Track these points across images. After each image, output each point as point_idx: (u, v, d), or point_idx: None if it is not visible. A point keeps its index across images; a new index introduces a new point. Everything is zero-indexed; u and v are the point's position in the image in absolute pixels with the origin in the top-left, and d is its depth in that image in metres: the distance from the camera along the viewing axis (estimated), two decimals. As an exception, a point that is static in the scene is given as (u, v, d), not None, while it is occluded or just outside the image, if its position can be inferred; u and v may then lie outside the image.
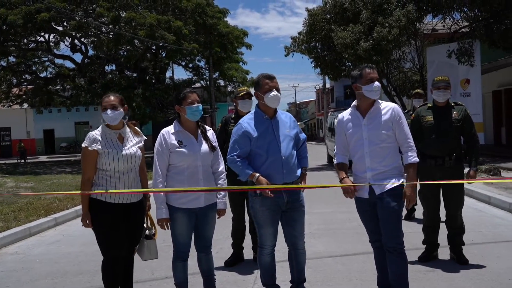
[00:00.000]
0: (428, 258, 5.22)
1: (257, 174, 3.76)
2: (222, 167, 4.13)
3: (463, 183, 5.24)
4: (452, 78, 15.30)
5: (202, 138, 3.98)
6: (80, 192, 3.80)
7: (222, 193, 4.10)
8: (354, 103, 4.00)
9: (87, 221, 3.78)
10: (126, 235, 3.83)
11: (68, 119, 38.25)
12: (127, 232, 3.84)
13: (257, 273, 5.08)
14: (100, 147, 3.74)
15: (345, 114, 4.02)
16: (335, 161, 4.08)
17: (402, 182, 3.84)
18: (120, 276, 3.89)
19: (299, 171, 3.96)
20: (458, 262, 5.10)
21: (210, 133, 4.10)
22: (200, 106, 3.94)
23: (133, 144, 3.90)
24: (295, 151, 3.94)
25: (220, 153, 4.15)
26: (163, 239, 4.43)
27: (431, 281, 4.60)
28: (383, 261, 3.92)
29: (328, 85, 46.14)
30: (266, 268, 4.01)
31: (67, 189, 12.33)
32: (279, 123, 3.92)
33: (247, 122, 3.92)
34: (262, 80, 3.85)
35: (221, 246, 5.79)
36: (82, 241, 6.88)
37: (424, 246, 5.33)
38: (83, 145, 3.78)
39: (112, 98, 3.83)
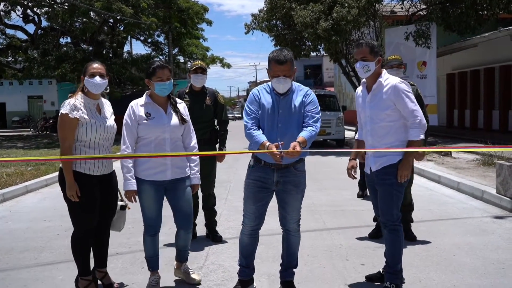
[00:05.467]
0: (378, 234, 5.33)
1: (268, 143, 3.49)
2: (194, 142, 4.05)
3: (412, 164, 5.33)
4: (410, 60, 15.62)
5: (171, 111, 3.91)
6: (62, 157, 3.58)
7: (196, 168, 4.03)
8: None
9: (76, 192, 3.58)
10: (100, 208, 3.76)
11: (20, 93, 36.72)
12: (102, 204, 3.77)
13: (208, 249, 5.07)
14: (83, 115, 3.61)
15: (359, 89, 4.04)
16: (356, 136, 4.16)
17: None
18: (90, 250, 3.85)
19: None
20: (406, 238, 5.19)
21: (182, 106, 4.03)
22: (167, 83, 3.83)
23: (109, 115, 3.85)
24: (297, 133, 3.62)
25: (192, 128, 4.07)
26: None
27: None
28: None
29: (288, 64, 46.22)
30: (242, 247, 3.86)
31: (16, 165, 11.89)
32: (287, 103, 3.68)
33: (258, 89, 3.78)
34: (272, 63, 3.61)
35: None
36: (30, 217, 6.68)
37: (375, 223, 5.45)
38: (62, 111, 3.60)
39: (99, 65, 3.74)
